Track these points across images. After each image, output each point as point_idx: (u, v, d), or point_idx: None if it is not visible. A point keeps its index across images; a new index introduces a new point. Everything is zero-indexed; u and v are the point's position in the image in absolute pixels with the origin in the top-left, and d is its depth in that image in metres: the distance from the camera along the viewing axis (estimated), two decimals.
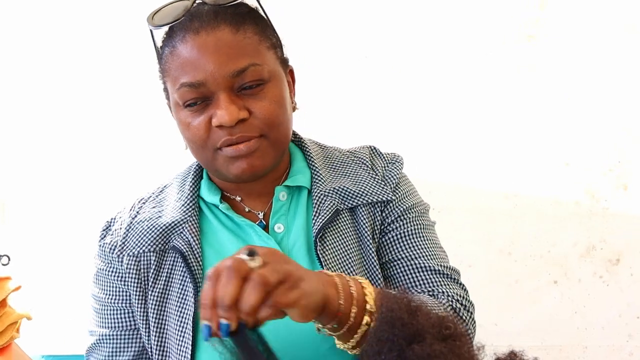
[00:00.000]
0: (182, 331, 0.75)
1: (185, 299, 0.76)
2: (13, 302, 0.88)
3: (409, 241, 0.82)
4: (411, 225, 0.83)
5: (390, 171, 0.86)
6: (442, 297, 0.78)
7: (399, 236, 0.82)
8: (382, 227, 0.83)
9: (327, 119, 1.45)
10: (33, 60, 1.55)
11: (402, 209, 0.83)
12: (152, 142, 1.53)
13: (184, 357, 0.74)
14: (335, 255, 0.78)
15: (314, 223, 0.78)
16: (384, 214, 0.82)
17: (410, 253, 0.81)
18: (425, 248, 0.83)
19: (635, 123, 1.46)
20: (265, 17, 0.78)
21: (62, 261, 1.59)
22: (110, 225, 0.84)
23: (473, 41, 1.46)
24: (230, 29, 0.71)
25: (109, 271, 0.81)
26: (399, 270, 0.81)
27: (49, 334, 1.56)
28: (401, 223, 0.83)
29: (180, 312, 0.76)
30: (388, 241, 0.82)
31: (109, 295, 0.82)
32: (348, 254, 0.79)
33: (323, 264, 0.76)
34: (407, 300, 0.50)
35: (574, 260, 1.54)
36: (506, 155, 1.51)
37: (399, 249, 0.82)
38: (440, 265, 0.81)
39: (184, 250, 0.77)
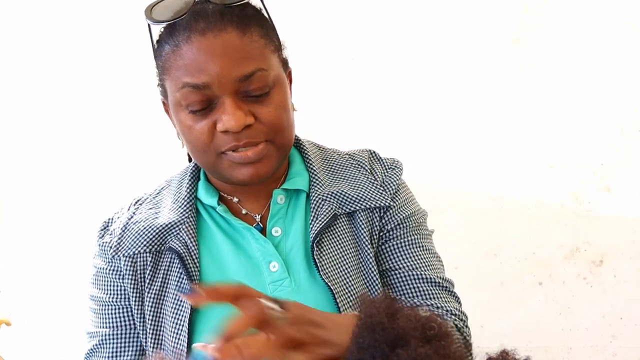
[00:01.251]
0: (177, 332, 0.74)
1: (181, 300, 0.75)
2: None
3: (408, 251, 0.82)
4: (410, 235, 0.83)
5: (389, 177, 0.85)
6: (443, 312, 0.78)
7: (398, 245, 0.82)
8: (381, 233, 0.82)
9: (316, 121, 1.44)
10: (29, 60, 1.53)
11: (401, 217, 0.83)
12: (148, 142, 1.51)
13: (179, 357, 0.73)
14: (332, 261, 0.77)
15: (311, 228, 0.78)
16: (383, 221, 0.82)
17: (409, 263, 0.81)
18: (424, 258, 0.83)
19: (618, 126, 1.48)
20: (269, 18, 0.77)
21: (45, 267, 1.56)
22: (108, 225, 0.83)
23: (460, 44, 1.47)
24: (237, 31, 0.69)
25: (109, 270, 0.80)
26: (397, 280, 0.80)
27: (30, 341, 1.53)
28: (401, 232, 0.82)
29: (176, 313, 0.75)
30: (387, 249, 0.82)
31: (110, 294, 0.80)
32: (345, 260, 0.78)
33: (320, 269, 0.75)
34: (386, 303, 0.48)
35: (558, 262, 1.55)
36: (492, 158, 1.51)
37: (398, 258, 0.81)
38: (438, 277, 0.81)
39: (181, 251, 0.76)
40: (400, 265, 0.81)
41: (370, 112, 1.51)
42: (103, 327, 0.80)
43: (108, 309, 0.80)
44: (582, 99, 1.47)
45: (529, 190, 1.53)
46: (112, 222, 0.83)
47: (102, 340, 0.80)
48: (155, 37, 0.75)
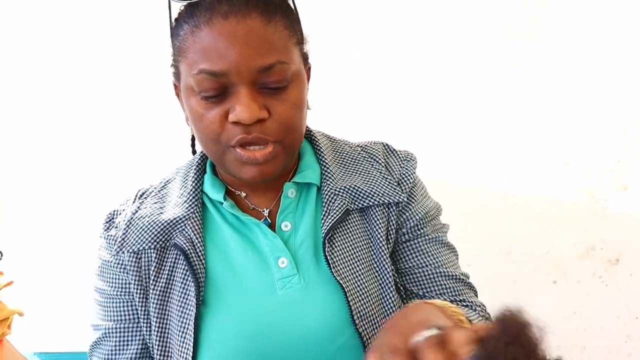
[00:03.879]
0: (183, 330, 0.73)
1: (187, 298, 0.73)
2: (5, 297, 0.87)
3: (431, 248, 0.80)
4: (431, 232, 0.81)
5: (405, 170, 0.83)
6: (474, 307, 0.78)
7: (421, 243, 0.80)
8: (402, 231, 0.80)
9: (316, 120, 1.44)
10: (27, 59, 1.53)
11: (421, 214, 0.81)
12: (147, 139, 1.51)
13: (186, 356, 0.72)
14: (344, 258, 0.75)
15: (323, 223, 0.75)
16: (402, 218, 0.80)
17: (432, 260, 0.80)
18: (445, 255, 0.82)
19: (635, 123, 1.45)
20: (294, 9, 0.73)
21: (55, 257, 1.57)
22: (113, 217, 0.81)
23: (470, 39, 1.45)
24: (261, 19, 0.65)
25: (114, 263, 0.78)
26: (419, 277, 0.79)
27: (41, 330, 1.55)
28: (422, 230, 0.81)
29: (182, 311, 0.74)
30: (409, 247, 0.80)
31: (114, 287, 0.79)
32: (357, 256, 0.76)
33: (331, 266, 0.73)
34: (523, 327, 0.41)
35: (573, 261, 1.53)
36: (505, 155, 1.49)
37: (420, 257, 0.80)
38: (460, 274, 0.81)
39: (186, 247, 0.74)
40: (423, 263, 0.79)
41: (380, 108, 1.50)
42: (108, 320, 0.79)
43: (113, 302, 0.79)
44: (598, 94, 1.44)
45: (544, 188, 1.51)
46: (117, 215, 0.81)
47: (106, 333, 0.79)
48: (174, 15, 0.72)
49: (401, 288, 0.80)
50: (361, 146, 0.86)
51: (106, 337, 0.79)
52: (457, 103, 1.48)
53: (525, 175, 1.51)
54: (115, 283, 0.79)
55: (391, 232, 0.79)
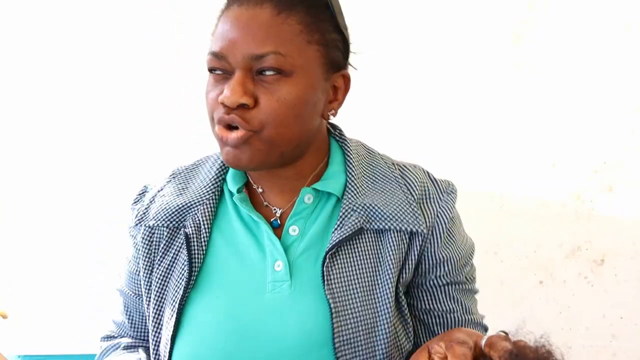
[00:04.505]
0: (172, 309, 0.73)
1: (181, 279, 0.74)
2: None
3: (451, 295, 0.79)
4: (458, 278, 0.79)
5: (445, 202, 0.78)
6: None
7: (438, 287, 0.78)
8: (422, 268, 0.77)
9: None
10: (26, 60, 1.52)
11: (459, 256, 0.78)
12: (146, 141, 1.50)
13: (167, 336, 0.73)
14: (342, 277, 0.72)
15: (332, 237, 0.73)
16: (426, 254, 0.76)
17: (452, 307, 0.78)
18: (471, 301, 0.81)
19: (621, 124, 1.47)
20: (332, 12, 0.71)
21: (42, 259, 1.55)
22: (145, 192, 0.84)
23: (461, 43, 1.46)
24: (272, 9, 0.66)
25: (133, 236, 0.82)
26: (435, 321, 0.78)
27: (26, 333, 1.53)
28: (448, 279, 0.78)
29: (175, 291, 0.75)
30: (426, 289, 0.78)
31: (131, 258, 0.83)
32: (357, 279, 0.73)
33: (325, 281, 0.71)
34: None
35: (559, 261, 1.54)
36: (493, 156, 1.50)
37: (439, 301, 0.78)
38: (481, 317, 0.82)
39: (190, 232, 0.75)
40: (453, 309, 0.78)
41: (372, 110, 1.50)
42: (125, 287, 0.84)
43: (130, 273, 0.83)
44: (584, 97, 1.46)
45: (531, 189, 1.52)
46: (147, 190, 0.84)
47: (122, 295, 0.85)
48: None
49: (419, 325, 0.79)
50: (399, 166, 0.82)
51: (120, 292, 0.85)
52: (446, 106, 1.49)
53: (513, 177, 1.52)
54: (132, 254, 0.82)
55: (410, 263, 0.75)
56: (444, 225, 0.77)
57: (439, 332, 0.78)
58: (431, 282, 0.78)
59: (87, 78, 1.51)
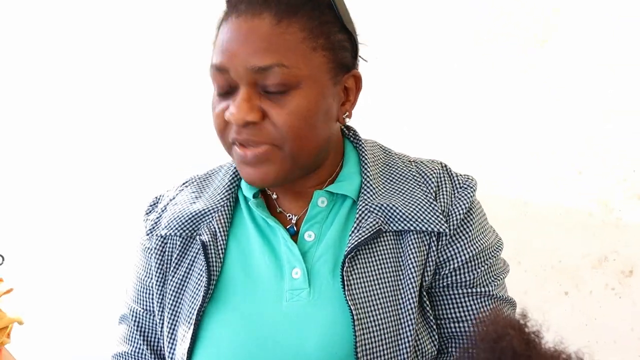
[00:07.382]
0: (189, 322, 0.71)
1: (198, 290, 0.72)
2: (4, 305, 0.85)
3: (472, 300, 0.74)
4: (479, 278, 0.74)
5: (459, 199, 0.75)
6: None
7: (463, 290, 0.74)
8: (443, 272, 0.73)
9: None
10: (26, 61, 1.52)
11: (470, 253, 0.74)
12: (148, 144, 1.49)
13: (183, 350, 0.71)
14: (363, 281, 0.69)
15: (349, 240, 0.70)
16: (445, 255, 0.73)
17: (472, 314, 0.73)
18: (488, 308, 0.76)
19: None
20: (337, 13, 0.68)
21: (57, 265, 1.55)
22: (157, 202, 0.82)
23: (483, 44, 1.43)
24: (271, 19, 0.63)
25: (145, 246, 0.80)
26: (460, 331, 0.73)
27: (41, 339, 1.52)
28: (467, 275, 0.74)
29: (192, 302, 0.72)
30: (448, 295, 0.74)
31: (143, 270, 0.80)
32: (379, 283, 0.70)
33: (345, 286, 0.68)
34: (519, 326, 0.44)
35: (585, 271, 1.50)
36: (517, 163, 1.47)
37: (462, 307, 0.74)
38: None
39: (206, 240, 0.72)
40: (464, 317, 0.74)
41: (388, 111, 1.47)
42: (134, 302, 0.82)
43: (141, 286, 0.81)
44: (612, 102, 1.42)
45: (556, 197, 1.48)
46: (160, 200, 0.83)
47: (131, 312, 0.82)
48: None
49: (446, 331, 0.75)
50: (416, 163, 0.79)
51: (129, 316, 0.82)
52: (467, 110, 1.46)
53: (537, 184, 1.48)
54: (144, 266, 0.80)
55: (430, 265, 0.72)
56: (454, 222, 0.73)
57: (445, 345, 0.74)
58: (439, 283, 0.75)
59: (87, 78, 1.51)
